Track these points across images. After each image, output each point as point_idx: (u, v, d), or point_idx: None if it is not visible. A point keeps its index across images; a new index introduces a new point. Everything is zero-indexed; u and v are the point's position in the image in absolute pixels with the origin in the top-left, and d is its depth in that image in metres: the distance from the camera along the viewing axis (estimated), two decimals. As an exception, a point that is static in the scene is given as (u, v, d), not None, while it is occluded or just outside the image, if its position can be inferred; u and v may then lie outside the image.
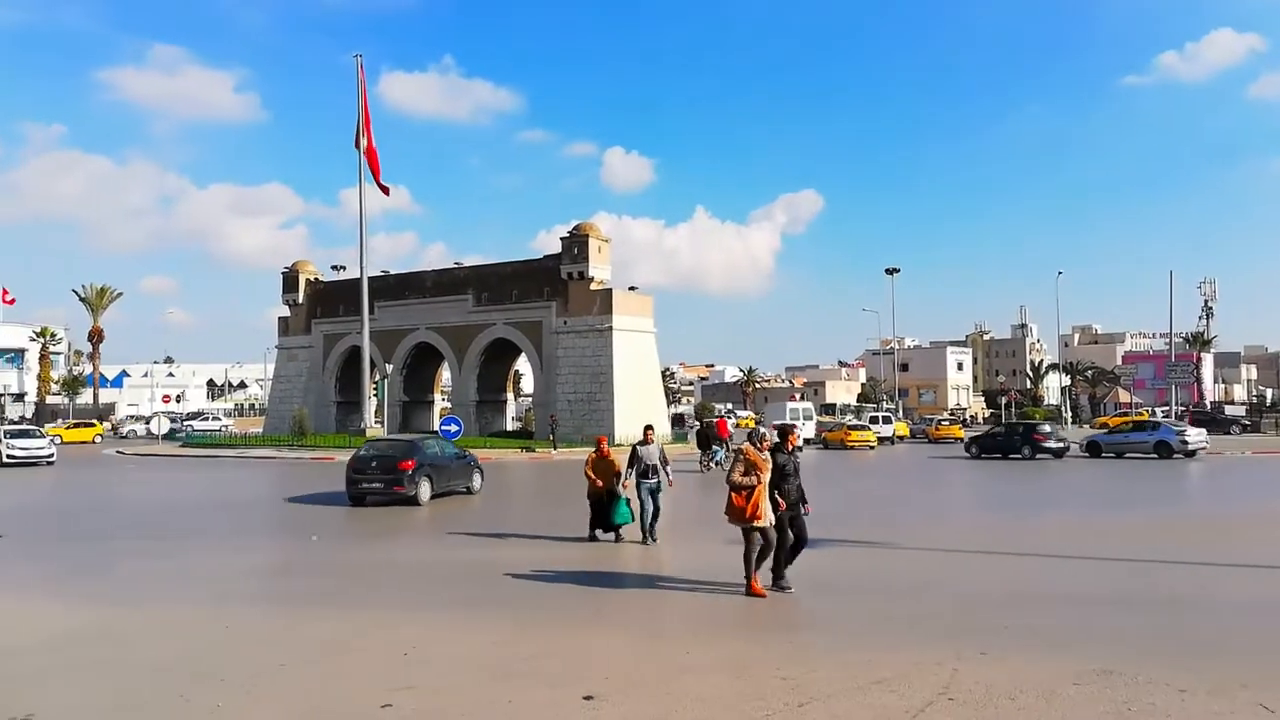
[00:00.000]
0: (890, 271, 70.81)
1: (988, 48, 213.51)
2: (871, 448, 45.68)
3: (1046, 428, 37.17)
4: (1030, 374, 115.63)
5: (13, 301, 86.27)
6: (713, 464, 30.81)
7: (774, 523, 10.01)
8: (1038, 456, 34.84)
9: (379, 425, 44.19)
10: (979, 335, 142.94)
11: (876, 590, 10.41)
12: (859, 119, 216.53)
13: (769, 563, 10.29)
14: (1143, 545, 14.13)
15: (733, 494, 9.98)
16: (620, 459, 14.84)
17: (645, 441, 14.66)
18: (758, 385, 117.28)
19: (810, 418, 50.64)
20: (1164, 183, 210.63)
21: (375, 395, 48.57)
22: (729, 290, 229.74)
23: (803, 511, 10.53)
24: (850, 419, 58.82)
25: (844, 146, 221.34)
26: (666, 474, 14.61)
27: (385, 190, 46.22)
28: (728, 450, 31.66)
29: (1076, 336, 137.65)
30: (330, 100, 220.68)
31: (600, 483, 14.49)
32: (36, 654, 8.27)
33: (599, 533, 14.61)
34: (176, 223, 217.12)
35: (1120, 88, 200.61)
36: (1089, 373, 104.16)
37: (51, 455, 35.16)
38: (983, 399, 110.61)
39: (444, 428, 38.69)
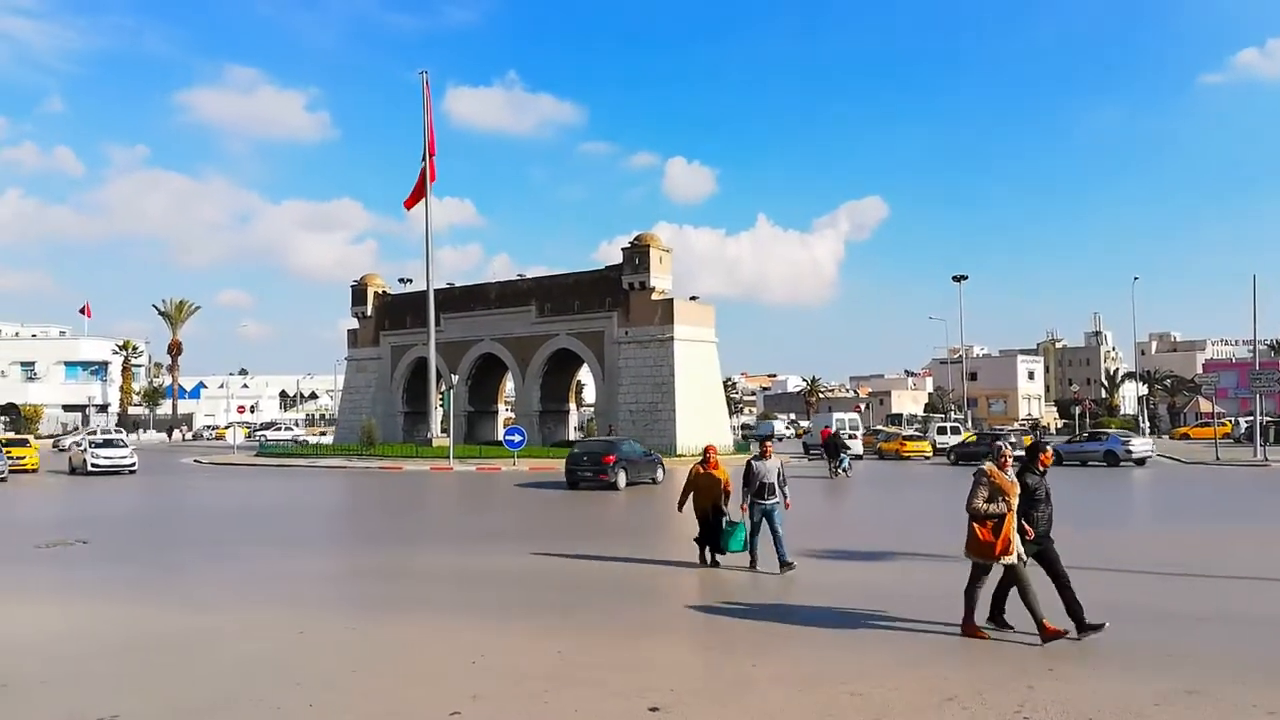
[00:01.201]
0: (958, 279, 69.37)
1: (1058, 48, 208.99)
2: (927, 458, 45.64)
3: (1013, 439, 41.79)
4: (1105, 383, 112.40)
5: (89, 314, 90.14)
6: (840, 470, 32.90)
7: (1023, 557, 8.56)
8: None
9: (445, 435, 44.80)
10: (1051, 343, 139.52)
11: (943, 604, 10.18)
12: (924, 124, 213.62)
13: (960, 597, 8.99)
14: (1190, 557, 13.59)
15: (975, 525, 8.58)
16: (731, 474, 13.55)
17: (762, 456, 13.03)
18: (821, 395, 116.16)
19: (857, 428, 50.29)
20: (1244, 184, 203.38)
21: (441, 406, 49.31)
22: (791, 299, 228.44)
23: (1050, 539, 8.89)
24: (910, 430, 58.53)
25: (909, 152, 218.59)
26: (784, 494, 13.03)
27: (408, 206, 47.09)
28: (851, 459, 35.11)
29: (1154, 344, 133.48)
30: (398, 117, 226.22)
31: (696, 503, 13.18)
32: (120, 656, 8.56)
33: (708, 554, 13.24)
34: (251, 238, 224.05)
35: (1198, 86, 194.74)
36: (1168, 382, 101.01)
37: (134, 464, 36.44)
38: (1055, 409, 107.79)
39: (508, 438, 39.12)
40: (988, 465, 8.68)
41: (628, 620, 9.97)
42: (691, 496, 13.43)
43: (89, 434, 64.16)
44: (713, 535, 13.13)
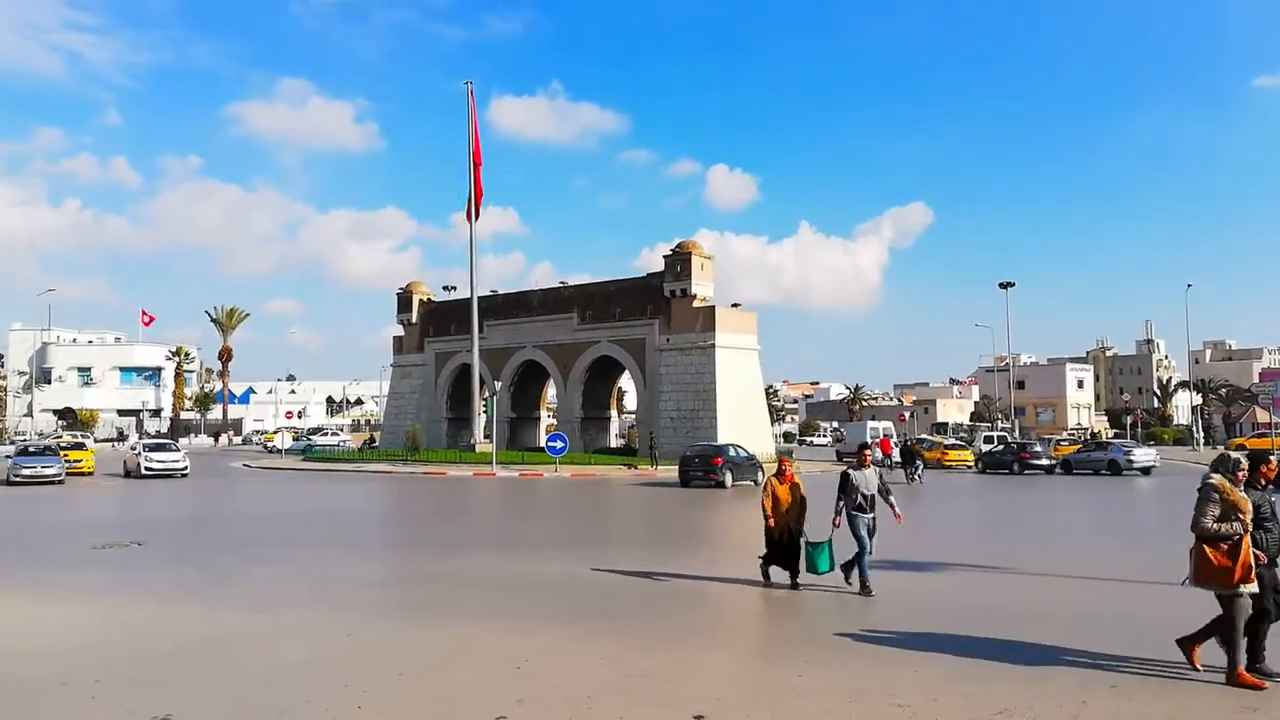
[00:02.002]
0: (1004, 286, 68.38)
1: (1108, 50, 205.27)
2: (969, 467, 45.10)
3: (1038, 448, 43.80)
4: (1157, 392, 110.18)
5: (151, 322, 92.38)
6: (915, 477, 34.55)
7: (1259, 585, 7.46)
8: (1026, 472, 40.28)
9: (488, 441, 45.15)
10: (1101, 351, 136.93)
11: (989, 617, 10.00)
12: (970, 128, 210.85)
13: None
14: None
15: (1206, 549, 7.43)
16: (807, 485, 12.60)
17: (860, 465, 11.98)
18: (864, 403, 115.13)
19: (891, 437, 49.98)
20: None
21: (484, 412, 49.74)
22: (834, 306, 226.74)
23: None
24: (952, 439, 58.21)
25: (955, 157, 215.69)
26: (891, 505, 11.94)
27: (469, 217, 47.19)
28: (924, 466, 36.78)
29: (1208, 352, 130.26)
30: (444, 127, 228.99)
31: (774, 520, 11.98)
32: (174, 657, 8.73)
33: (772, 571, 12.22)
34: (299, 247, 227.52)
35: (1253, 89, 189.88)
36: (1222, 391, 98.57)
37: (186, 468, 37.21)
38: (1105, 418, 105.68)
39: (550, 444, 39.36)
40: (1216, 479, 7.58)
41: (674, 628, 9.93)
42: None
43: (60, 436, 66.13)
44: (785, 556, 12.06)
